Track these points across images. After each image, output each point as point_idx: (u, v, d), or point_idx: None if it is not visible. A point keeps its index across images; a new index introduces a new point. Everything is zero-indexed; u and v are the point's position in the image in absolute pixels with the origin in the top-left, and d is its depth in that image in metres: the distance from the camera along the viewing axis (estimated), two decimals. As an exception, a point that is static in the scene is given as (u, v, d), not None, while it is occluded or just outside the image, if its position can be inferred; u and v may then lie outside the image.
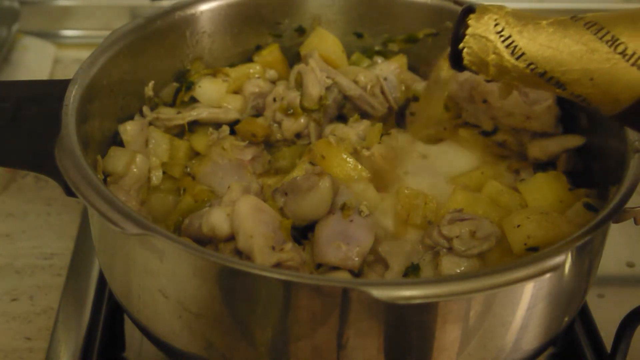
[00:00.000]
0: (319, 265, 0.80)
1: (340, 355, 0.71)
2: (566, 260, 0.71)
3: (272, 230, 0.76)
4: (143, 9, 1.44)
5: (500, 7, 0.72)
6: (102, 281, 0.96)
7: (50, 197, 1.11)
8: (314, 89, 0.96)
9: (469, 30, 0.72)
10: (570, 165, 0.92)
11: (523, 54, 0.70)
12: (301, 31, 1.06)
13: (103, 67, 0.89)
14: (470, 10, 0.72)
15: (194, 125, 0.98)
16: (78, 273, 0.99)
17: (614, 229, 0.79)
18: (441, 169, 0.91)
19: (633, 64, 0.66)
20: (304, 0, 1.05)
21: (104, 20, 1.46)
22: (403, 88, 1.02)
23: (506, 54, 0.71)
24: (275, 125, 0.97)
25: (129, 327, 0.91)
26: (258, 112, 1.00)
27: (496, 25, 0.71)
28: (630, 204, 0.76)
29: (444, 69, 0.82)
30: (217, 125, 0.97)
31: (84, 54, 0.92)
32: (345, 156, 0.88)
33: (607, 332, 0.90)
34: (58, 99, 0.83)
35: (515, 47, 0.70)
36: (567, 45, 0.69)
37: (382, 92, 1.00)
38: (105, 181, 0.88)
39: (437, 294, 0.67)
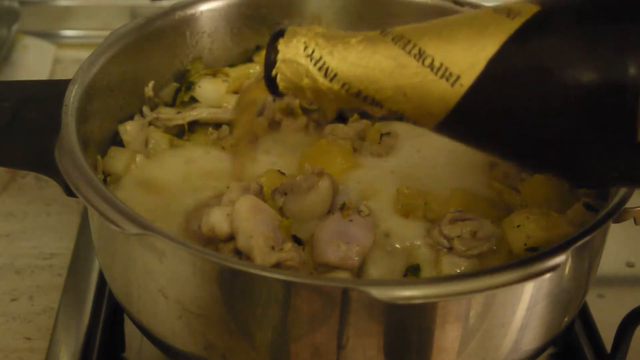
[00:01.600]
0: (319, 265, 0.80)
1: (340, 355, 0.71)
2: (566, 260, 0.71)
3: (271, 230, 0.76)
4: (143, 9, 1.44)
5: (310, 29, 0.70)
6: (102, 281, 0.96)
7: (50, 197, 1.11)
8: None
9: (279, 56, 0.69)
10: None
11: (336, 75, 0.68)
12: (301, 31, 1.06)
13: (103, 67, 0.89)
14: (280, 34, 0.70)
15: (194, 125, 0.98)
16: (78, 273, 0.99)
17: (614, 229, 0.79)
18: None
19: (442, 77, 0.65)
20: (303, 0, 1.05)
21: (104, 20, 1.46)
22: (403, 88, 1.02)
23: (319, 77, 0.68)
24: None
25: (129, 327, 0.91)
26: (258, 112, 1.00)
27: (306, 48, 0.69)
28: (630, 204, 0.76)
29: (253, 93, 0.81)
30: (217, 125, 0.97)
31: (84, 54, 0.92)
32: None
33: (607, 332, 0.90)
34: (58, 99, 0.83)
35: (327, 68, 0.68)
36: (377, 62, 0.67)
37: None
38: (105, 181, 0.88)
39: (437, 294, 0.67)
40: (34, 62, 1.38)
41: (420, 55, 0.66)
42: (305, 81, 0.69)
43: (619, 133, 0.62)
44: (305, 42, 0.69)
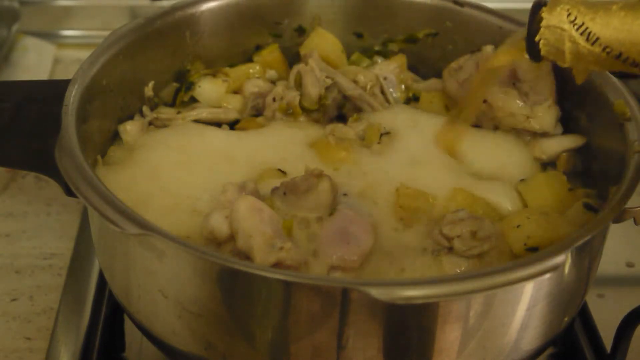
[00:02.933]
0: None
1: (340, 355, 0.71)
2: (566, 260, 0.71)
3: (271, 229, 0.76)
4: (143, 9, 1.44)
5: None
6: (102, 281, 0.96)
7: (50, 197, 1.11)
8: (314, 89, 0.96)
9: (544, 23, 0.76)
10: (570, 165, 0.92)
11: (598, 38, 0.74)
12: (301, 31, 1.06)
13: (103, 67, 0.89)
14: (541, 3, 0.77)
15: (194, 125, 0.98)
16: (78, 273, 0.99)
17: (614, 229, 0.79)
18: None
19: None
20: (303, 0, 1.06)
21: (104, 20, 1.46)
22: (403, 88, 1.02)
23: (582, 41, 0.75)
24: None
25: (129, 327, 0.91)
26: (258, 112, 1.00)
27: (569, 15, 0.75)
28: (630, 204, 0.76)
29: (498, 61, 0.87)
30: (217, 125, 0.97)
31: (84, 54, 0.92)
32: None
33: (607, 332, 0.90)
34: (58, 99, 0.83)
35: (590, 33, 0.74)
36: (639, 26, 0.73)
37: (382, 92, 1.01)
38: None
39: (437, 294, 0.67)
40: (34, 62, 1.38)
41: None
42: (568, 45, 0.76)
43: None
44: (568, 10, 0.76)
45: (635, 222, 0.78)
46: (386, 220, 0.83)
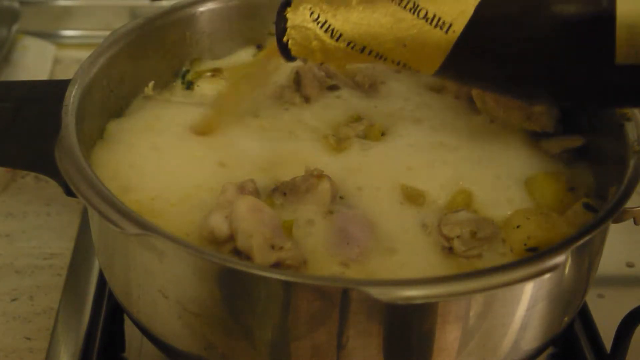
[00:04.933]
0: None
1: (340, 355, 0.71)
2: (566, 260, 0.71)
3: (271, 229, 0.76)
4: (143, 9, 1.44)
5: None
6: (102, 281, 0.96)
7: (50, 197, 1.11)
8: (312, 89, 0.96)
9: (289, 23, 0.78)
10: (570, 165, 0.92)
11: (341, 35, 0.76)
12: (301, 31, 1.06)
13: (103, 67, 0.89)
14: (287, 3, 0.79)
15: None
16: (78, 273, 0.99)
17: (614, 229, 0.79)
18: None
19: (436, 26, 0.74)
20: (303, 0, 1.05)
21: (104, 20, 1.46)
22: (403, 87, 1.02)
23: (326, 38, 0.77)
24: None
25: (129, 327, 0.91)
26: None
27: (312, 13, 0.77)
28: (630, 204, 0.76)
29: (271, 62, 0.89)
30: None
31: (84, 54, 0.92)
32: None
33: (607, 332, 0.90)
34: (58, 99, 0.83)
35: (333, 30, 0.76)
36: (376, 19, 0.75)
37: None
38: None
39: (437, 294, 0.67)
40: (34, 62, 1.38)
41: (415, 9, 0.74)
42: (314, 43, 0.77)
43: (600, 56, 0.72)
44: (311, 8, 0.77)
45: (635, 222, 0.78)
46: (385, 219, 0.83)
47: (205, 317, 0.73)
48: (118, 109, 0.94)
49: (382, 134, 0.94)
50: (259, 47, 1.05)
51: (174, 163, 0.86)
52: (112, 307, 0.93)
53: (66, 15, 1.47)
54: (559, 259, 0.69)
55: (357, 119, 0.97)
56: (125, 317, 0.91)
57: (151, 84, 0.97)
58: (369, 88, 0.99)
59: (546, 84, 0.77)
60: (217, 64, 1.03)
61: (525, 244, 0.79)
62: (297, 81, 0.97)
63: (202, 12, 1.01)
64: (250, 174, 0.84)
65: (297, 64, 0.99)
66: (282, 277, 0.68)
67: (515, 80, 0.78)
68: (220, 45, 1.04)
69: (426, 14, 0.74)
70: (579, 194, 0.86)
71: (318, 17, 0.77)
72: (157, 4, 1.40)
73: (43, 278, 1.00)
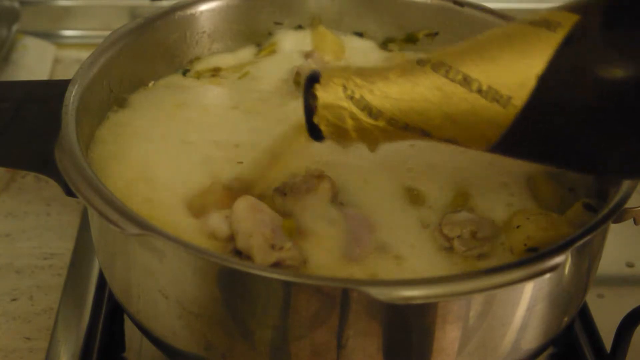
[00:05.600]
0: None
1: (340, 354, 0.71)
2: (566, 260, 0.71)
3: (271, 229, 0.76)
4: (143, 9, 1.44)
5: (345, 69, 0.69)
6: (102, 281, 0.96)
7: (50, 197, 1.11)
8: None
9: (320, 102, 0.69)
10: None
11: (380, 112, 0.67)
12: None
13: (103, 67, 0.89)
14: (314, 79, 0.69)
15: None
16: (78, 273, 0.99)
17: (614, 229, 0.79)
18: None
19: (492, 100, 0.65)
20: (303, 0, 1.06)
21: (104, 20, 1.46)
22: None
23: (364, 117, 0.68)
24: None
25: (129, 327, 0.91)
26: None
27: (345, 90, 0.68)
28: (630, 204, 0.76)
29: (301, 140, 0.76)
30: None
31: (84, 54, 0.92)
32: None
33: (607, 332, 0.91)
34: (58, 99, 0.82)
35: (371, 107, 0.67)
36: (421, 93, 0.66)
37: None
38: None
39: (437, 294, 0.67)
40: (34, 62, 1.38)
41: (466, 81, 0.65)
42: (350, 123, 0.68)
43: None
44: (343, 84, 0.68)
45: (635, 222, 0.78)
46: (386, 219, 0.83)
47: (205, 317, 0.73)
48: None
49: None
50: (259, 46, 1.05)
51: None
52: (112, 307, 0.93)
53: (66, 15, 1.47)
54: (559, 259, 0.69)
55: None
56: (125, 317, 0.91)
57: (151, 84, 0.98)
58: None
59: (626, 157, 0.67)
60: (217, 63, 1.03)
61: (525, 244, 0.79)
62: (298, 81, 0.98)
63: (202, 12, 1.01)
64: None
65: (297, 62, 1.00)
66: (282, 277, 0.68)
67: (578, 154, 0.68)
68: (220, 45, 1.04)
69: (479, 86, 0.65)
70: (579, 194, 0.86)
71: (353, 93, 0.67)
72: (157, 4, 1.40)
73: (43, 278, 1.00)
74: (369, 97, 0.67)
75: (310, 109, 0.69)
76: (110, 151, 0.87)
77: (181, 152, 0.88)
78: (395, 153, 0.90)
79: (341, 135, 0.70)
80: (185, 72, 1.01)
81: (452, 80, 0.65)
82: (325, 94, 0.68)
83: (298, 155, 0.81)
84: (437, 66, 0.66)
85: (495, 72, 0.64)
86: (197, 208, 0.80)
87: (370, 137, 0.70)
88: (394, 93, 0.67)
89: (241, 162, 0.85)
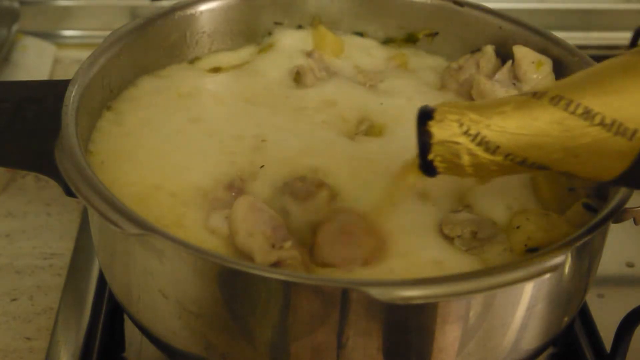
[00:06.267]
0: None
1: (340, 354, 0.71)
2: (566, 260, 0.71)
3: (271, 228, 0.76)
4: (143, 9, 1.44)
5: (456, 105, 0.68)
6: (102, 281, 0.96)
7: (50, 197, 1.11)
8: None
9: (435, 139, 0.67)
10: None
11: (498, 147, 0.66)
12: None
13: (103, 67, 0.89)
14: (426, 115, 0.68)
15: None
16: (78, 273, 0.98)
17: (614, 229, 0.79)
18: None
19: (616, 133, 0.64)
20: (303, 0, 1.06)
21: (104, 20, 1.46)
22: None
23: (480, 152, 0.67)
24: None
25: (129, 327, 0.91)
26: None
27: (461, 125, 0.67)
28: (630, 204, 0.76)
29: (411, 176, 0.75)
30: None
31: (84, 54, 0.92)
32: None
33: (607, 332, 0.90)
34: (58, 99, 0.82)
35: (488, 142, 0.66)
36: (540, 128, 0.65)
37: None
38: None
39: (437, 294, 0.67)
40: (34, 62, 1.38)
41: (588, 114, 0.64)
42: (466, 158, 0.67)
43: None
44: (458, 120, 0.67)
45: (635, 222, 0.78)
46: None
47: (205, 317, 0.73)
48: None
49: (382, 132, 0.94)
50: (259, 46, 1.05)
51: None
52: (112, 307, 0.93)
53: (66, 15, 1.47)
54: (559, 259, 0.69)
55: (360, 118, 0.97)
56: (125, 317, 0.91)
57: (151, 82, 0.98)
58: (369, 87, 0.99)
59: None
60: (218, 63, 1.03)
61: (525, 245, 0.79)
62: (298, 80, 0.98)
63: (202, 12, 1.01)
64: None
65: (297, 62, 1.00)
66: (282, 277, 0.68)
67: None
68: (220, 45, 1.04)
69: (602, 120, 0.63)
70: (579, 194, 0.86)
71: (468, 129, 0.66)
72: (157, 4, 1.40)
73: (43, 278, 1.00)
74: (485, 132, 0.66)
75: (425, 146, 0.68)
76: (109, 150, 0.87)
77: (181, 146, 0.88)
78: (395, 151, 0.91)
79: (456, 170, 0.69)
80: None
81: (573, 114, 0.64)
82: (441, 130, 0.67)
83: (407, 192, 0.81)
84: (556, 99, 0.65)
85: (619, 105, 0.63)
86: (210, 202, 0.81)
87: (486, 171, 0.69)
88: (512, 128, 0.66)
89: (263, 166, 0.85)
